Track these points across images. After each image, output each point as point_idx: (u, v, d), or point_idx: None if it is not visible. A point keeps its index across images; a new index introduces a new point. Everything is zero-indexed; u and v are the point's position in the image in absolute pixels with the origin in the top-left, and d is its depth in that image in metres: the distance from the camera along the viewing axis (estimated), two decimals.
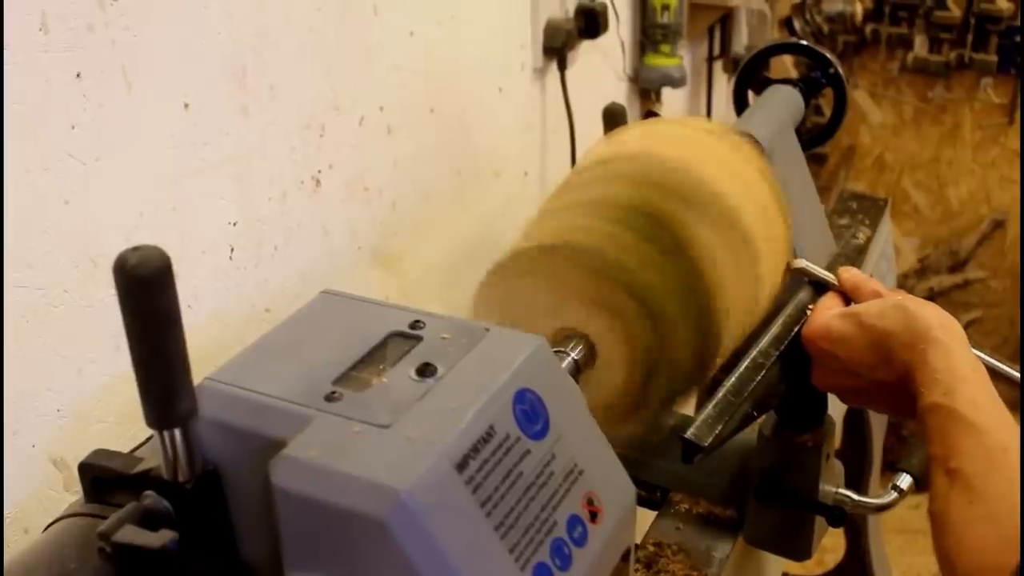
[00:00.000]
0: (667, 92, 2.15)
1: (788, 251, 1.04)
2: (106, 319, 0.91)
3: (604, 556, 0.72)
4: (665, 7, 1.98)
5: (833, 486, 0.97)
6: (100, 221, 0.90)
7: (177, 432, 0.62)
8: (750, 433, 0.96)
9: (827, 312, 0.91)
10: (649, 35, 2.02)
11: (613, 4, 1.80)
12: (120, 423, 0.94)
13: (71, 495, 0.89)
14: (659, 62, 2.03)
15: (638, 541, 0.97)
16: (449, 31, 1.39)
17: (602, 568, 0.73)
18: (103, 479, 0.70)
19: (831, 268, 1.04)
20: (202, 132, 0.99)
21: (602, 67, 1.93)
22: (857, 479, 1.65)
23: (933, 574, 2.64)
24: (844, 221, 1.59)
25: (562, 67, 1.68)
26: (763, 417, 0.96)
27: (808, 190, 1.34)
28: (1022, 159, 2.97)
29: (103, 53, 0.87)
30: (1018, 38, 2.87)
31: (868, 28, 3.05)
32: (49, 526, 0.71)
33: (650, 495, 1.06)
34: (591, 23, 1.73)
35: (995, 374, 0.86)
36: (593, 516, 0.71)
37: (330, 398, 0.67)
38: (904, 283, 3.19)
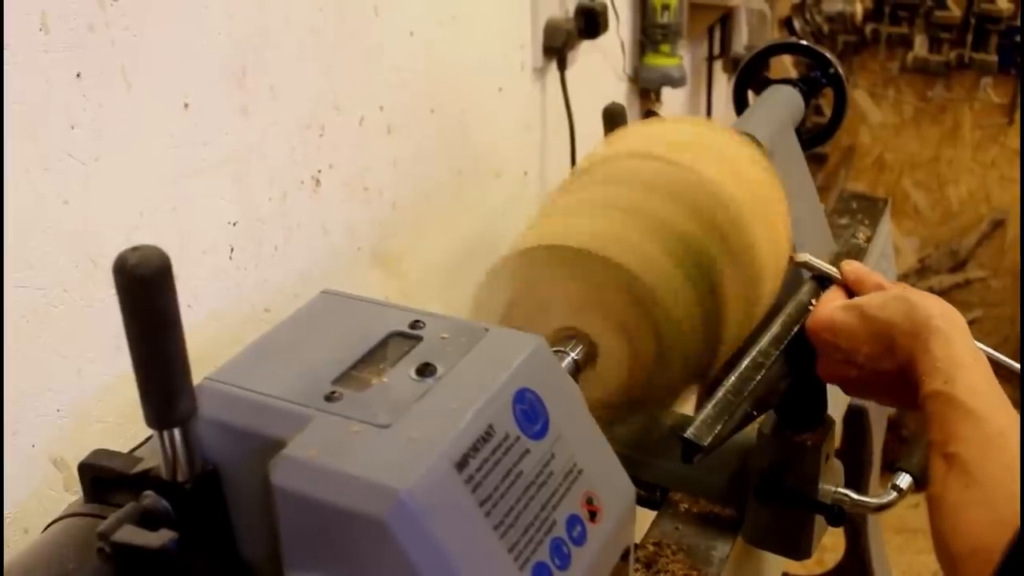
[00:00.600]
0: (667, 92, 2.15)
1: (788, 250, 1.04)
2: (106, 319, 0.91)
3: (603, 555, 0.72)
4: (665, 7, 1.98)
5: (833, 485, 0.97)
6: (100, 221, 0.90)
7: (177, 432, 0.62)
8: (750, 433, 0.96)
9: (830, 304, 0.91)
10: (649, 35, 2.02)
11: (613, 4, 1.80)
12: (120, 423, 0.94)
13: (71, 495, 0.90)
14: (659, 62, 2.03)
15: (638, 541, 0.97)
16: (449, 31, 1.39)
17: (601, 567, 0.73)
18: (103, 479, 0.70)
19: (833, 263, 1.04)
20: (202, 132, 0.99)
21: (602, 67, 1.93)
22: (857, 479, 1.65)
23: (933, 573, 2.64)
24: (844, 221, 1.58)
25: (562, 67, 1.68)
26: (763, 417, 0.96)
27: (808, 190, 1.34)
28: (1022, 159, 2.97)
29: (103, 53, 0.87)
30: (1018, 38, 2.87)
31: (868, 28, 3.05)
32: (49, 526, 0.71)
33: (650, 495, 1.06)
34: (591, 23, 1.73)
35: (996, 365, 0.87)
36: (592, 516, 0.71)
37: (330, 398, 0.67)
38: (904, 283, 3.19)
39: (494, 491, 0.64)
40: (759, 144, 1.14)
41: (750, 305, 0.98)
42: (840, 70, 1.39)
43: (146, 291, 0.56)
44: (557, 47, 1.66)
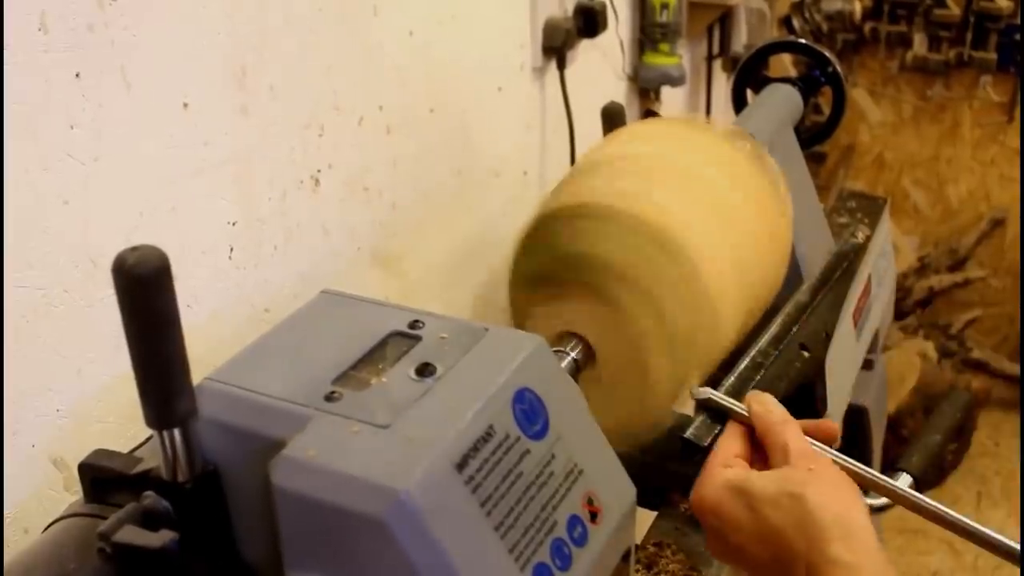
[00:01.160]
0: (666, 91, 2.15)
1: (788, 248, 1.04)
2: (106, 319, 0.91)
3: (604, 556, 0.72)
4: (664, 6, 1.98)
5: None
6: (100, 221, 0.90)
7: (176, 432, 0.62)
8: None
9: (721, 475, 0.77)
10: (648, 34, 2.02)
11: (612, 3, 1.80)
12: (120, 423, 0.94)
13: (71, 495, 0.90)
14: (658, 61, 2.03)
15: (638, 541, 0.97)
16: (449, 31, 1.39)
17: (602, 568, 0.73)
18: (103, 479, 0.70)
19: (832, 264, 1.04)
20: (202, 132, 0.99)
21: (601, 66, 1.93)
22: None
23: (933, 573, 2.65)
24: (843, 220, 1.58)
25: (561, 66, 1.67)
26: None
27: (807, 189, 1.34)
28: (1022, 157, 2.97)
29: (102, 53, 0.87)
30: (1017, 36, 2.87)
31: (867, 26, 3.05)
32: (49, 526, 0.71)
33: (650, 495, 1.06)
34: (590, 22, 1.73)
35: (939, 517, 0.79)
36: (593, 516, 0.71)
37: (329, 398, 0.67)
38: (904, 282, 3.20)
39: (494, 491, 0.64)
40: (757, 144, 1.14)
41: (748, 286, 0.96)
42: (839, 69, 1.39)
43: (145, 291, 0.56)
44: (556, 46, 1.66)
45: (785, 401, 0.95)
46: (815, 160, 2.99)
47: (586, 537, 0.70)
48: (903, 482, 0.96)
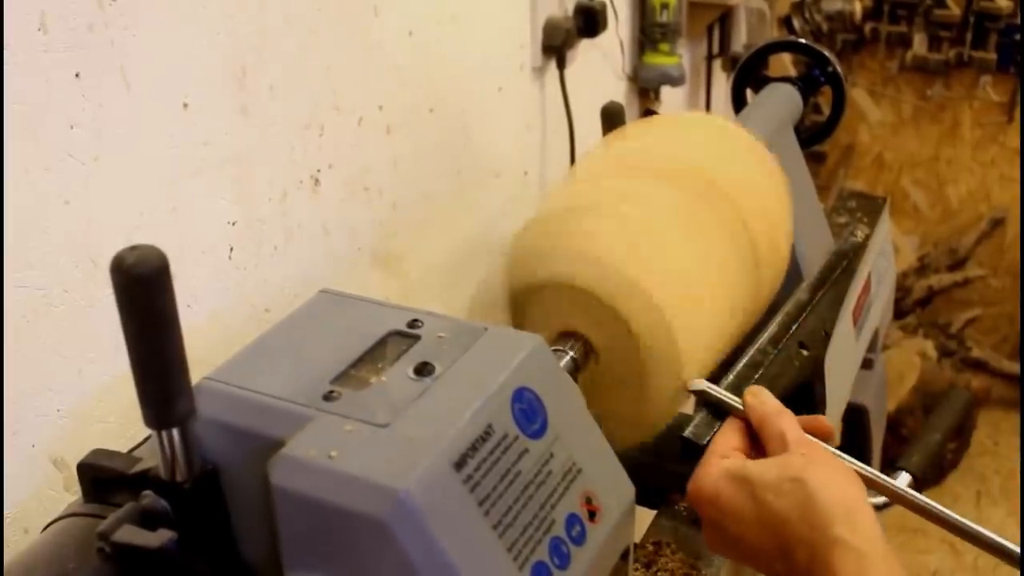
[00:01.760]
0: (666, 91, 2.15)
1: (788, 249, 1.04)
2: (106, 319, 0.91)
3: (603, 555, 0.72)
4: (664, 6, 1.99)
5: None
6: (100, 221, 0.90)
7: (175, 432, 0.62)
8: None
9: (720, 464, 0.77)
10: (648, 34, 2.02)
11: (612, 3, 1.80)
12: (120, 423, 0.94)
13: (71, 495, 0.90)
14: (658, 61, 2.03)
15: (637, 540, 0.97)
16: (449, 31, 1.39)
17: (601, 567, 0.73)
18: (102, 479, 0.70)
19: (831, 264, 1.03)
20: (202, 132, 1.00)
21: (601, 66, 1.93)
22: None
23: (933, 573, 2.65)
24: (843, 220, 1.58)
25: (561, 66, 1.68)
26: None
27: (807, 189, 1.34)
28: (1022, 157, 2.98)
29: (102, 53, 0.87)
30: (1017, 36, 2.87)
31: (867, 26, 3.05)
32: (49, 526, 0.71)
33: (649, 494, 1.06)
34: (590, 22, 1.73)
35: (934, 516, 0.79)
36: (592, 515, 0.71)
37: (328, 397, 0.67)
38: (904, 281, 3.20)
39: (493, 490, 0.64)
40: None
41: (748, 284, 0.95)
42: (839, 69, 1.39)
43: (144, 291, 0.56)
44: (556, 46, 1.66)
45: (784, 400, 0.95)
46: (815, 160, 3.00)
47: (585, 536, 0.70)
48: (902, 481, 0.96)
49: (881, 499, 0.95)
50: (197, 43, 0.97)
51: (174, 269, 0.57)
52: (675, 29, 2.01)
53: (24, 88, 0.81)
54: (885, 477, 0.79)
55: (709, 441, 0.84)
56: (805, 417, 0.81)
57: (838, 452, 0.79)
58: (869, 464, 0.81)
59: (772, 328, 0.95)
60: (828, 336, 1.04)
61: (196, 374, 0.62)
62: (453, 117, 1.44)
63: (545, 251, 0.91)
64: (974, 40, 2.92)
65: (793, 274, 1.10)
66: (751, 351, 0.93)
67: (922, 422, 2.81)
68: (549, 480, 0.69)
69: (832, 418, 0.98)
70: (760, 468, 0.74)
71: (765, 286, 1.00)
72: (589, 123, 1.39)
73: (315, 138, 1.16)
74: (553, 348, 0.84)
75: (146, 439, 0.74)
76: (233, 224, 1.06)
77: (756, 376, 0.91)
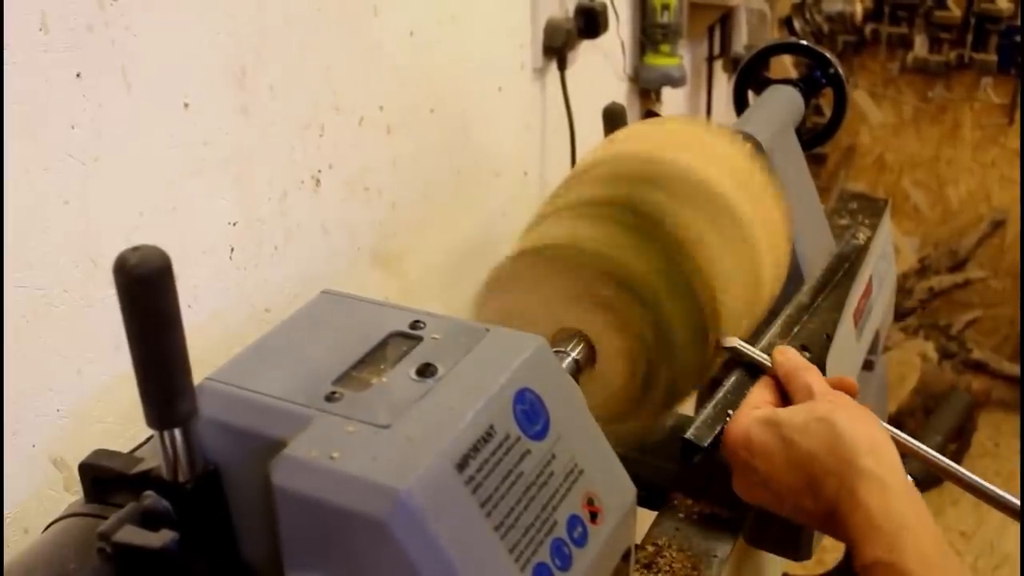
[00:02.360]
0: (667, 92, 2.15)
1: (788, 252, 1.04)
2: (106, 319, 0.91)
3: (604, 556, 0.72)
4: (665, 7, 1.99)
5: None
6: (100, 221, 0.90)
7: (177, 432, 0.62)
8: None
9: (751, 414, 0.81)
10: (649, 35, 2.02)
11: (613, 4, 1.80)
12: (120, 423, 0.94)
13: (71, 495, 0.90)
14: (659, 62, 2.03)
15: (638, 541, 0.97)
16: (449, 31, 1.39)
17: (602, 568, 0.73)
18: (103, 479, 0.70)
19: (833, 265, 1.03)
20: (202, 132, 0.99)
21: (602, 67, 1.93)
22: None
23: None
24: (844, 221, 1.58)
25: (562, 67, 1.68)
26: None
27: (808, 190, 1.34)
28: (1022, 159, 2.98)
29: (103, 53, 0.87)
30: (1018, 38, 2.87)
31: (868, 28, 3.05)
32: (49, 526, 0.71)
33: (650, 495, 1.06)
34: (591, 23, 1.73)
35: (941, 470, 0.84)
36: (593, 516, 0.71)
37: (330, 398, 0.67)
38: (904, 283, 3.20)
39: (495, 491, 0.64)
40: (758, 144, 1.14)
41: (749, 286, 0.95)
42: (840, 70, 1.39)
43: (146, 291, 0.56)
44: (557, 47, 1.66)
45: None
46: (816, 161, 3.00)
47: (586, 537, 0.70)
48: None
49: None
50: (197, 43, 0.97)
51: (174, 269, 0.57)
52: (676, 30, 2.02)
53: (24, 88, 0.81)
54: (904, 435, 0.83)
55: (710, 442, 0.85)
56: (831, 377, 0.86)
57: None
58: None
59: (774, 330, 0.95)
60: (830, 338, 1.04)
61: (197, 374, 0.62)
62: (453, 117, 1.44)
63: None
64: (975, 42, 2.92)
65: (794, 276, 1.10)
66: (763, 342, 0.93)
67: (923, 424, 2.81)
68: (551, 481, 0.69)
69: None
70: (789, 412, 0.79)
71: (766, 288, 1.00)
72: (589, 124, 1.39)
73: (315, 138, 1.16)
74: (555, 349, 0.84)
75: (147, 439, 0.74)
76: (233, 224, 1.06)
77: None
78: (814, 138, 1.46)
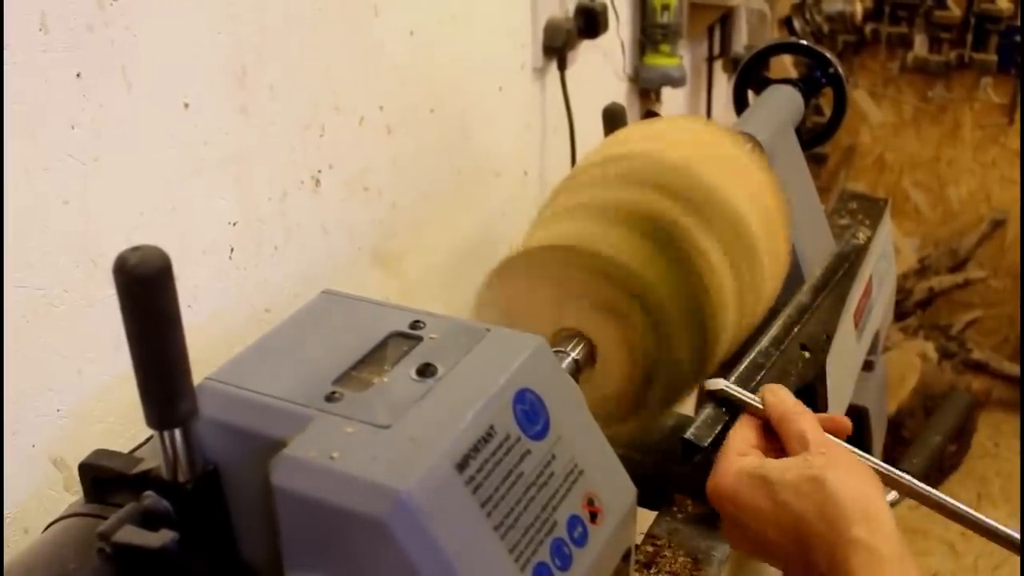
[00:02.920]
0: (667, 92, 2.15)
1: (788, 251, 1.04)
2: (106, 319, 0.91)
3: (604, 556, 0.72)
4: (665, 7, 1.99)
5: None
6: (100, 221, 0.90)
7: (177, 432, 0.62)
8: None
9: (738, 463, 0.77)
10: (649, 35, 2.02)
11: (613, 4, 1.80)
12: (120, 423, 0.94)
13: (71, 495, 0.89)
14: (659, 62, 2.03)
15: (638, 541, 0.97)
16: (449, 31, 1.39)
17: (602, 568, 0.73)
18: (103, 479, 0.70)
19: (832, 265, 1.03)
20: (202, 132, 0.99)
21: (602, 67, 1.93)
22: None
23: (932, 574, 2.64)
24: (844, 221, 1.58)
25: (562, 67, 1.68)
26: None
27: (808, 190, 1.34)
28: (1022, 159, 2.98)
29: (103, 53, 0.87)
30: (1018, 38, 2.87)
31: (868, 28, 3.05)
32: (49, 526, 0.71)
33: (650, 495, 1.06)
34: (591, 23, 1.73)
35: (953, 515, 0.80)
36: (593, 516, 0.71)
37: (330, 398, 0.67)
38: (904, 283, 3.20)
39: (495, 492, 0.64)
40: (758, 144, 1.14)
41: (749, 287, 0.95)
42: (840, 70, 1.39)
43: (146, 291, 0.56)
44: (557, 47, 1.66)
45: None
46: (816, 161, 2.99)
47: (586, 537, 0.70)
48: (890, 497, 0.96)
49: (894, 495, 0.95)
50: (197, 43, 0.97)
51: (174, 269, 0.57)
52: (676, 30, 2.02)
53: (24, 88, 0.81)
54: (900, 472, 0.80)
55: (710, 442, 0.85)
56: (823, 415, 0.82)
57: (854, 449, 0.80)
58: None
59: (774, 330, 0.95)
60: (829, 338, 1.04)
61: (197, 374, 0.62)
62: (453, 117, 1.44)
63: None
64: (975, 42, 2.92)
65: (794, 276, 1.10)
66: (753, 353, 0.93)
67: (923, 424, 2.81)
68: (551, 481, 0.69)
69: None
70: (779, 468, 0.75)
71: (766, 289, 1.00)
72: (589, 123, 1.39)
73: (315, 138, 1.16)
74: (555, 349, 0.84)
75: (147, 439, 0.74)
76: (233, 224, 1.06)
77: (758, 378, 0.91)
78: (814, 138, 1.46)
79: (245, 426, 0.66)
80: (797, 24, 3.06)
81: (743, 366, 0.92)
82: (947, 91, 3.05)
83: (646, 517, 0.98)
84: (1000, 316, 3.24)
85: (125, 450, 0.74)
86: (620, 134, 1.09)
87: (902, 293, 3.17)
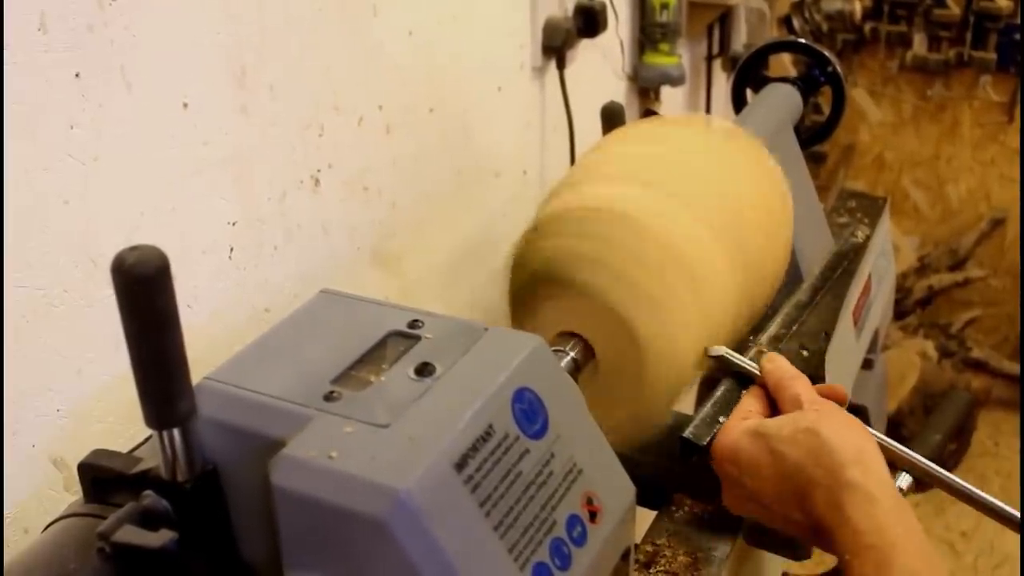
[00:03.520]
0: (666, 91, 2.15)
1: (788, 251, 1.04)
2: (106, 319, 0.91)
3: (604, 556, 0.72)
4: (664, 6, 1.98)
5: None
6: (100, 221, 0.90)
7: (176, 432, 0.62)
8: None
9: (739, 425, 0.81)
10: (648, 34, 2.02)
11: (612, 3, 1.80)
12: (120, 423, 0.94)
13: (71, 495, 0.90)
14: (658, 61, 2.03)
15: (638, 541, 0.97)
16: (449, 31, 1.39)
17: (602, 568, 0.73)
18: (103, 479, 0.70)
19: (830, 265, 1.03)
20: (202, 132, 0.99)
21: (601, 66, 1.93)
22: None
23: None
24: (843, 220, 1.58)
25: (561, 66, 1.68)
26: None
27: (807, 189, 1.34)
28: (1022, 157, 2.98)
29: (102, 53, 0.87)
30: (1017, 36, 2.87)
31: (867, 26, 3.05)
32: (49, 526, 0.71)
33: (650, 495, 1.06)
34: (590, 22, 1.73)
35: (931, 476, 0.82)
36: (592, 516, 0.71)
37: (329, 397, 0.67)
38: (904, 282, 3.20)
39: (494, 491, 0.64)
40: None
41: (748, 286, 0.95)
42: (839, 68, 1.39)
43: (145, 291, 0.56)
44: (556, 46, 1.66)
45: None
46: (815, 160, 2.99)
47: (585, 537, 0.70)
48: (903, 481, 0.96)
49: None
50: (197, 43, 0.97)
51: (174, 269, 0.57)
52: (675, 29, 2.01)
53: (24, 88, 0.81)
54: (904, 449, 0.82)
55: (709, 442, 0.85)
56: (820, 385, 0.85)
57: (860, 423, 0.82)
58: None
59: (773, 328, 0.95)
60: (828, 337, 1.04)
61: (196, 374, 0.62)
62: (453, 117, 1.44)
63: (550, 254, 0.91)
64: (974, 40, 2.92)
65: (793, 274, 1.10)
66: (752, 351, 0.93)
67: (922, 423, 2.81)
68: (550, 481, 0.69)
69: None
70: (776, 423, 0.79)
71: (765, 287, 1.00)
72: (589, 123, 1.39)
73: (315, 138, 1.16)
74: (553, 349, 0.84)
75: (147, 439, 0.74)
76: (233, 224, 1.06)
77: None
78: (813, 136, 1.46)
79: (244, 426, 0.66)
80: (796, 23, 3.06)
81: None
82: (946, 89, 3.05)
83: (646, 517, 0.98)
84: (1000, 315, 3.24)
85: (125, 450, 0.75)
86: (618, 132, 1.09)
87: (902, 292, 3.17)
